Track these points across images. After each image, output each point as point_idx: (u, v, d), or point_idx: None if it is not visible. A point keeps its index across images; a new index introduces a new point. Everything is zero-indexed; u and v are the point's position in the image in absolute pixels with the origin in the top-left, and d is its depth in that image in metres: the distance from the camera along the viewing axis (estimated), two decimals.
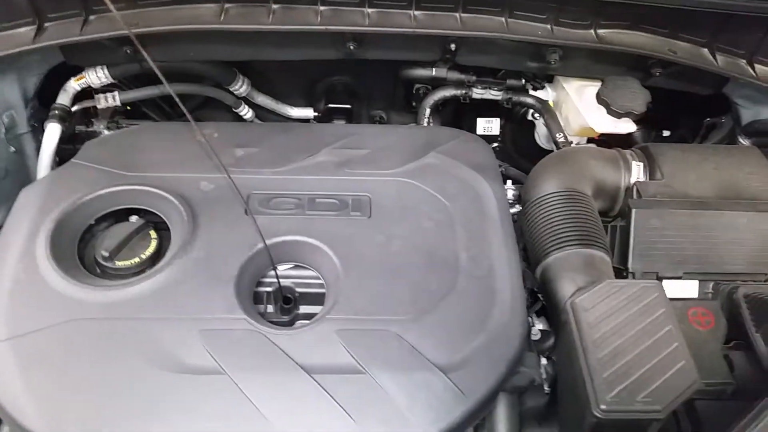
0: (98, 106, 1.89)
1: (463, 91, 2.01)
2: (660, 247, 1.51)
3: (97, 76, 1.81)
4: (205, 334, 1.23)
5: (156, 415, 1.13)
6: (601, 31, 1.77)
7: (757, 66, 1.75)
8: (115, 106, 1.91)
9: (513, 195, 1.75)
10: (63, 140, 1.79)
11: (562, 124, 1.95)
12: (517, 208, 1.69)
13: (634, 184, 1.63)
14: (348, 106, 2.24)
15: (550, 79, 2.06)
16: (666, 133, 2.28)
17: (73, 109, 1.85)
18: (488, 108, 2.16)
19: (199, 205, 1.44)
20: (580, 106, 1.88)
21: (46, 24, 1.60)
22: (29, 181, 1.60)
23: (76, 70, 1.82)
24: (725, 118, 2.04)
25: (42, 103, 1.81)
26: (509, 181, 1.78)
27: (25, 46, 1.57)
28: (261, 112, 2.18)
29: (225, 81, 1.99)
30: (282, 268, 1.41)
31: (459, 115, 2.29)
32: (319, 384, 1.17)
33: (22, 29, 1.58)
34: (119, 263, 1.36)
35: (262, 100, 2.14)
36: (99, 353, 1.20)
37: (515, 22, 1.75)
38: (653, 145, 1.72)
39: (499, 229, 1.47)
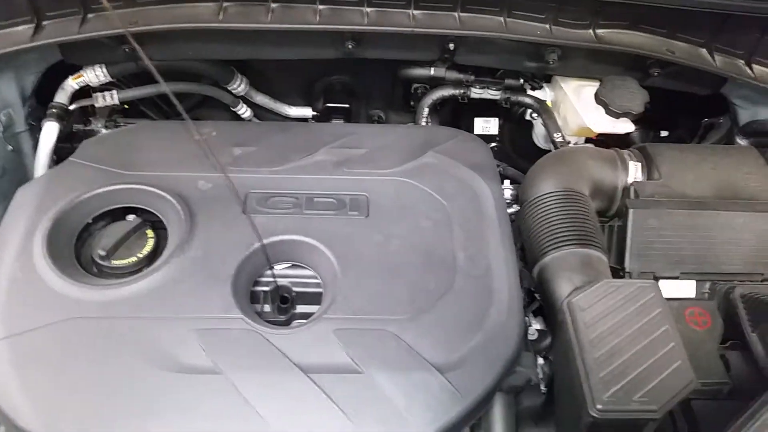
0: (96, 105, 1.89)
1: (462, 91, 2.01)
2: (657, 247, 1.52)
3: (95, 75, 1.81)
4: (202, 333, 1.22)
5: (153, 415, 1.13)
6: (599, 31, 1.77)
7: (755, 66, 1.76)
8: (113, 104, 1.91)
9: (511, 195, 1.75)
10: (61, 139, 1.78)
11: (560, 124, 1.95)
12: (515, 208, 1.69)
13: (632, 184, 1.63)
14: (346, 105, 2.24)
15: (548, 79, 2.06)
16: (664, 134, 2.29)
17: (71, 107, 1.85)
18: (486, 108, 2.16)
19: (197, 204, 1.44)
20: (578, 106, 1.88)
21: (44, 22, 1.60)
22: (26, 180, 1.59)
23: (74, 69, 1.82)
24: (723, 118, 2.04)
25: (40, 102, 1.81)
26: (507, 181, 1.78)
27: (23, 45, 1.57)
28: (259, 111, 2.19)
29: (223, 80, 1.99)
30: (279, 268, 1.41)
31: (457, 114, 2.29)
32: (316, 384, 1.17)
33: (20, 27, 1.58)
34: (116, 262, 1.36)
35: (261, 99, 2.14)
36: (96, 352, 1.20)
37: (514, 22, 1.75)
38: (651, 145, 1.73)
39: (496, 229, 1.47)
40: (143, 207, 1.46)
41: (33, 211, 1.40)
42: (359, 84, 2.26)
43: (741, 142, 1.91)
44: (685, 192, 1.60)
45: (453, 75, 2.01)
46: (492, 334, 1.28)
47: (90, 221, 1.44)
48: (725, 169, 1.66)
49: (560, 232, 1.48)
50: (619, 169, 1.66)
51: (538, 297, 1.52)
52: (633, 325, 1.23)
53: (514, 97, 2.02)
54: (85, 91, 1.87)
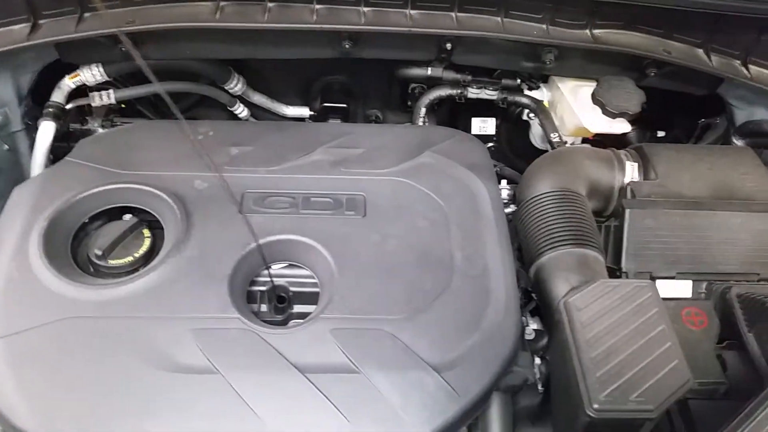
0: (93, 104, 1.89)
1: (459, 91, 2.02)
2: (654, 247, 1.52)
3: (91, 74, 1.81)
4: (198, 333, 1.22)
5: (149, 414, 1.13)
6: (596, 31, 1.77)
7: (752, 67, 1.76)
8: (110, 104, 1.91)
9: (508, 195, 1.75)
10: (57, 138, 1.78)
11: (557, 124, 1.96)
12: (512, 208, 1.70)
13: (628, 184, 1.63)
14: (344, 105, 2.25)
15: (545, 79, 2.07)
16: (661, 134, 2.29)
17: (68, 106, 1.85)
18: (484, 108, 2.16)
19: (193, 204, 1.44)
20: (575, 106, 1.89)
21: (40, 21, 1.60)
22: (23, 179, 1.59)
23: (71, 68, 1.82)
24: (720, 118, 2.04)
25: (36, 101, 1.81)
26: (504, 181, 1.78)
27: (20, 44, 1.57)
28: (256, 110, 2.19)
29: (220, 79, 1.99)
30: (276, 267, 1.41)
31: (454, 114, 2.29)
32: (312, 383, 1.17)
33: (17, 26, 1.58)
34: (112, 262, 1.36)
35: (258, 98, 2.14)
36: (92, 352, 1.19)
37: (511, 22, 1.75)
38: (647, 145, 1.73)
39: (493, 229, 1.47)
40: (140, 206, 1.45)
41: (29, 210, 1.39)
42: (356, 84, 2.26)
43: (737, 142, 1.91)
44: (682, 192, 1.60)
45: (450, 75, 2.01)
46: (489, 334, 1.28)
47: (86, 221, 1.43)
48: (722, 169, 1.67)
49: (557, 232, 1.48)
50: (615, 169, 1.66)
51: (535, 297, 1.52)
52: (630, 325, 1.23)
53: (511, 97, 2.03)
54: (81, 91, 1.87)
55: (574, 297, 1.29)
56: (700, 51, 1.80)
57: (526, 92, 2.05)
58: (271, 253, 1.38)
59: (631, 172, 1.66)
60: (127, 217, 1.45)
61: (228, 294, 1.28)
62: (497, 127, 2.32)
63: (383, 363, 1.21)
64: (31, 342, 1.20)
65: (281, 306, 1.38)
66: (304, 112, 2.22)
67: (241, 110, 2.12)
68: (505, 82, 2.03)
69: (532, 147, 2.14)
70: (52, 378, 1.16)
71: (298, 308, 1.40)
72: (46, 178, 1.50)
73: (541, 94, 2.05)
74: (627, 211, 1.55)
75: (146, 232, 1.42)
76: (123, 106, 2.07)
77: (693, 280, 1.51)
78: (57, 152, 1.75)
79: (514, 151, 2.33)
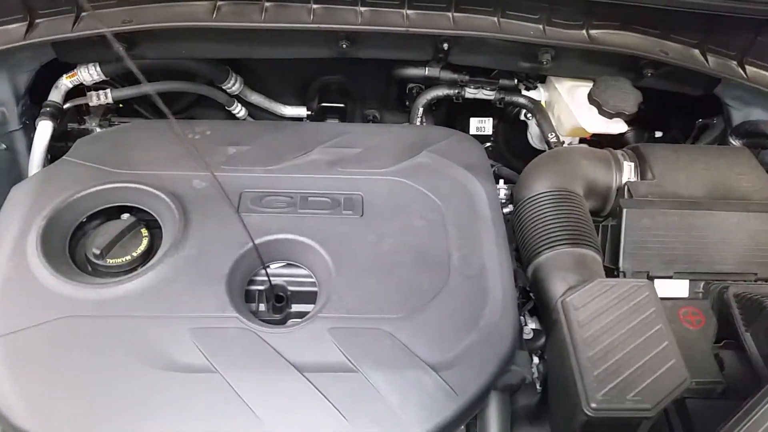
0: (90, 104, 1.89)
1: (456, 91, 2.02)
2: (651, 246, 1.52)
3: (89, 74, 1.81)
4: (196, 332, 1.22)
5: (147, 413, 1.13)
6: (592, 32, 1.78)
7: (748, 67, 1.77)
8: (108, 103, 1.90)
9: (505, 194, 1.75)
10: (55, 138, 1.78)
11: (554, 124, 1.96)
12: (509, 208, 1.70)
13: (626, 184, 1.64)
14: (341, 105, 2.25)
15: (542, 79, 2.07)
16: (658, 134, 2.30)
17: (65, 106, 1.85)
18: (481, 108, 2.17)
19: (191, 203, 1.44)
20: (572, 107, 1.89)
21: (37, 20, 1.59)
22: (20, 179, 1.59)
23: (68, 67, 1.81)
24: (717, 119, 2.05)
25: (34, 100, 1.81)
26: (501, 181, 1.78)
27: (16, 43, 1.56)
28: (254, 110, 2.18)
29: (218, 79, 1.99)
30: (274, 267, 1.41)
31: (452, 114, 2.30)
32: (311, 382, 1.17)
33: (13, 26, 1.58)
34: (110, 261, 1.36)
35: (255, 98, 2.14)
36: (90, 351, 1.19)
37: (507, 22, 1.76)
38: (644, 145, 1.73)
39: (491, 229, 1.48)
40: (138, 206, 1.45)
41: (27, 209, 1.39)
42: (354, 83, 2.26)
43: (734, 142, 1.91)
44: (679, 192, 1.61)
45: (447, 75, 2.01)
46: (486, 334, 1.28)
47: (84, 220, 1.43)
48: (718, 169, 1.67)
49: (554, 232, 1.48)
50: (613, 169, 1.67)
51: (533, 296, 1.52)
52: (627, 324, 1.23)
53: (508, 98, 2.03)
54: (79, 90, 1.87)
55: (572, 296, 1.29)
56: (697, 51, 1.80)
57: (524, 92, 2.05)
58: (269, 252, 1.38)
59: (628, 172, 1.66)
60: (125, 216, 1.44)
61: (226, 293, 1.28)
62: (495, 127, 2.32)
63: (381, 362, 1.21)
64: (28, 341, 1.20)
65: (279, 305, 1.38)
66: (302, 111, 2.22)
67: (238, 110, 2.11)
68: (503, 82, 2.03)
69: (530, 147, 2.14)
70: (50, 377, 1.16)
71: (296, 307, 1.40)
72: (44, 178, 1.49)
73: (539, 94, 2.05)
74: (624, 211, 1.55)
75: (144, 232, 1.42)
76: (120, 105, 2.07)
77: (690, 280, 1.51)
78: (55, 152, 1.75)
79: (512, 151, 2.33)
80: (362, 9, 1.70)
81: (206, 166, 1.44)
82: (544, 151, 1.93)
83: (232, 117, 2.14)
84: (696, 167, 1.67)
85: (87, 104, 1.89)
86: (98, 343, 1.20)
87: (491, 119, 2.31)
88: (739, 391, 1.32)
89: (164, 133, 1.63)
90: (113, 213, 1.46)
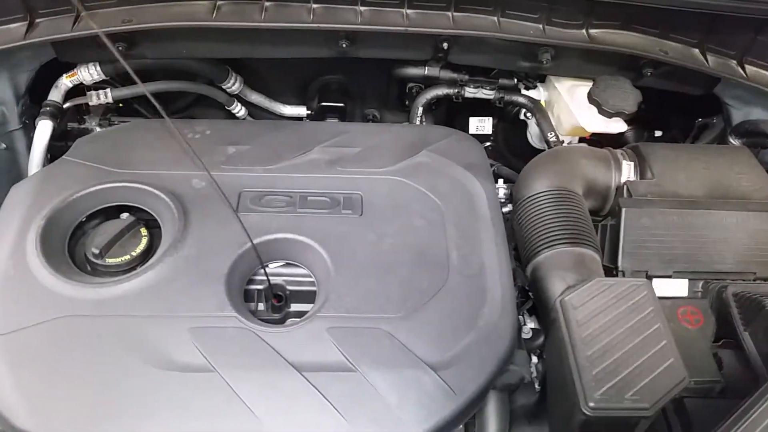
0: (90, 103, 1.89)
1: (456, 90, 2.02)
2: (650, 245, 1.52)
3: (89, 73, 1.81)
4: (195, 331, 1.22)
5: (146, 413, 1.13)
6: (592, 31, 1.78)
7: (748, 67, 1.77)
8: (108, 103, 1.91)
9: (504, 194, 1.75)
10: (54, 137, 1.79)
11: (553, 123, 1.96)
12: (509, 207, 1.70)
13: (625, 183, 1.64)
14: (341, 104, 2.25)
15: (542, 79, 2.07)
16: (658, 134, 2.30)
17: (65, 106, 1.85)
18: (481, 107, 2.17)
19: (190, 203, 1.44)
20: (571, 106, 1.89)
21: (37, 20, 1.60)
22: (20, 178, 1.59)
23: (68, 67, 1.82)
24: (716, 118, 2.05)
25: (34, 100, 1.81)
26: (501, 180, 1.78)
27: (16, 42, 1.57)
28: (254, 109, 2.19)
29: (218, 78, 2.00)
30: (273, 266, 1.41)
31: (452, 114, 2.30)
32: (309, 382, 1.17)
33: (13, 25, 1.58)
34: (110, 260, 1.36)
35: (255, 98, 2.14)
36: (89, 351, 1.19)
37: (507, 22, 1.76)
38: (644, 144, 1.73)
39: (490, 228, 1.48)
40: (137, 205, 1.45)
41: (26, 209, 1.39)
42: (354, 83, 2.27)
43: (734, 142, 1.91)
44: (678, 191, 1.61)
45: (447, 74, 2.01)
46: (485, 333, 1.28)
47: (83, 219, 1.44)
48: (718, 168, 1.67)
49: (553, 231, 1.48)
50: (612, 168, 1.67)
51: (531, 296, 1.52)
52: (625, 323, 1.23)
53: (508, 97, 2.03)
54: (79, 90, 1.87)
55: (570, 295, 1.29)
56: (697, 51, 1.80)
57: (523, 92, 2.05)
58: (268, 251, 1.38)
59: (628, 171, 1.66)
60: (125, 215, 1.45)
61: (225, 293, 1.28)
62: (494, 126, 2.32)
63: (380, 362, 1.21)
64: (28, 340, 1.20)
65: (278, 305, 1.38)
66: (302, 111, 2.22)
67: (238, 109, 2.12)
68: (502, 81, 2.03)
69: (529, 146, 2.14)
70: (49, 376, 1.16)
71: (295, 307, 1.41)
72: (44, 177, 1.50)
73: (538, 93, 2.06)
74: (623, 210, 1.55)
75: (143, 231, 1.42)
76: (120, 105, 2.07)
77: (689, 279, 1.51)
78: (54, 151, 1.76)
79: (511, 151, 2.33)
80: (362, 8, 1.71)
81: (203, 166, 1.44)
82: (543, 150, 1.94)
83: (232, 116, 2.14)
84: (695, 166, 1.67)
85: (87, 104, 1.89)
86: (97, 342, 1.20)
87: (491, 119, 2.31)
88: (738, 390, 1.32)
89: (164, 132, 1.62)
90: (112, 212, 1.46)
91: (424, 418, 1.15)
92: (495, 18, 1.75)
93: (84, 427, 1.12)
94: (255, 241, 1.35)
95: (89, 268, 1.38)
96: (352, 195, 1.51)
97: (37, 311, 1.23)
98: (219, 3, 1.66)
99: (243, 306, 1.32)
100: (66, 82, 1.82)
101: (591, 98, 1.81)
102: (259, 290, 1.38)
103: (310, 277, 1.39)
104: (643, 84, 1.87)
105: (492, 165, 1.78)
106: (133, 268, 1.36)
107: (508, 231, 1.53)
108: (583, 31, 1.77)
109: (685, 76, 1.86)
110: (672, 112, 2.24)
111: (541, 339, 1.46)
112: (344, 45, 1.78)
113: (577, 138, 2.02)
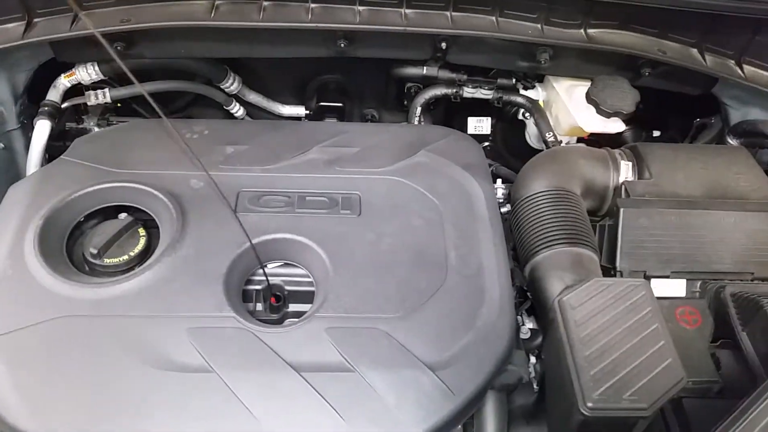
0: (88, 103, 1.89)
1: (454, 90, 2.02)
2: (648, 246, 1.52)
3: (87, 73, 1.81)
4: (193, 331, 1.22)
5: (145, 413, 1.13)
6: (591, 31, 1.78)
7: (746, 67, 1.77)
8: (106, 102, 1.91)
9: (503, 194, 1.75)
10: (53, 137, 1.78)
11: (552, 123, 1.96)
12: (507, 207, 1.70)
13: (623, 183, 1.64)
14: (339, 104, 2.25)
15: (540, 79, 2.07)
16: (656, 133, 2.30)
17: (63, 105, 1.84)
18: (479, 107, 2.17)
19: (189, 203, 1.44)
20: (569, 106, 1.89)
21: (35, 20, 1.59)
22: (18, 178, 1.59)
23: (67, 67, 1.81)
24: (714, 118, 2.05)
25: (32, 100, 1.81)
26: (499, 180, 1.78)
27: (14, 42, 1.56)
28: (252, 109, 2.19)
29: (216, 78, 1.99)
30: (272, 266, 1.41)
31: (450, 114, 2.30)
32: (308, 382, 1.17)
33: (11, 25, 1.58)
34: (108, 261, 1.36)
35: (254, 97, 2.14)
36: (88, 351, 1.19)
37: (506, 22, 1.76)
38: (642, 144, 1.73)
39: (488, 228, 1.48)
40: (135, 205, 1.45)
41: (24, 209, 1.39)
42: (352, 83, 2.26)
43: (732, 142, 1.91)
44: (676, 191, 1.61)
45: (446, 74, 2.01)
46: (483, 333, 1.28)
47: (82, 219, 1.43)
48: (716, 168, 1.67)
49: (551, 231, 1.48)
50: (610, 168, 1.67)
51: (530, 296, 1.52)
52: (623, 324, 1.24)
53: (506, 97, 2.03)
54: (77, 89, 1.87)
55: (569, 296, 1.29)
56: (695, 51, 1.80)
57: (522, 92, 2.05)
58: (266, 251, 1.38)
59: (626, 171, 1.66)
60: (123, 215, 1.45)
61: (223, 293, 1.28)
62: (493, 126, 2.32)
63: (378, 362, 1.21)
64: (26, 341, 1.20)
65: (277, 305, 1.38)
66: (300, 111, 2.22)
67: (236, 109, 2.12)
68: (501, 81, 2.03)
69: (528, 146, 2.14)
70: (48, 377, 1.16)
71: (293, 307, 1.41)
72: (42, 177, 1.50)
73: (537, 93, 2.05)
74: (621, 210, 1.55)
75: (141, 231, 1.42)
76: (119, 105, 2.06)
77: (687, 279, 1.52)
78: (53, 151, 1.75)
79: (510, 151, 2.33)
80: (360, 8, 1.70)
81: (201, 166, 1.44)
82: (541, 150, 1.94)
83: (231, 116, 2.14)
84: (694, 166, 1.67)
85: (85, 103, 1.89)
86: (95, 342, 1.20)
87: (489, 118, 2.31)
88: (736, 390, 1.32)
89: (162, 132, 1.62)
90: (111, 212, 1.46)
91: (423, 418, 1.16)
92: (493, 18, 1.75)
93: (82, 427, 1.12)
94: (253, 242, 1.35)
95: (87, 268, 1.38)
96: (350, 195, 1.51)
97: (36, 311, 1.23)
98: (217, 2, 1.65)
99: (241, 306, 1.32)
100: (64, 81, 1.82)
101: (589, 98, 1.81)
102: (257, 290, 1.39)
103: (309, 277, 1.39)
104: (641, 84, 1.87)
105: (490, 165, 1.78)
106: (132, 269, 1.36)
107: (506, 231, 1.53)
108: (582, 30, 1.77)
109: (683, 76, 1.86)
110: (670, 112, 2.24)
111: (540, 339, 1.46)
112: (342, 45, 1.78)
113: (575, 138, 2.02)
